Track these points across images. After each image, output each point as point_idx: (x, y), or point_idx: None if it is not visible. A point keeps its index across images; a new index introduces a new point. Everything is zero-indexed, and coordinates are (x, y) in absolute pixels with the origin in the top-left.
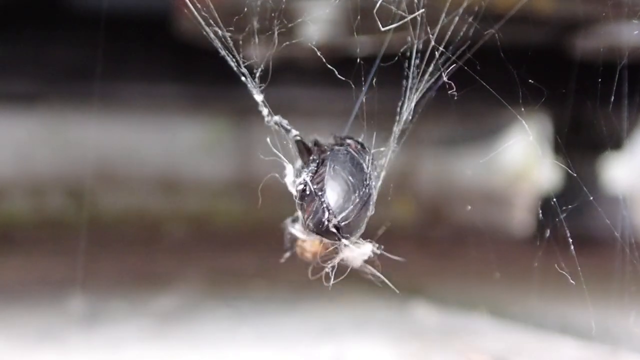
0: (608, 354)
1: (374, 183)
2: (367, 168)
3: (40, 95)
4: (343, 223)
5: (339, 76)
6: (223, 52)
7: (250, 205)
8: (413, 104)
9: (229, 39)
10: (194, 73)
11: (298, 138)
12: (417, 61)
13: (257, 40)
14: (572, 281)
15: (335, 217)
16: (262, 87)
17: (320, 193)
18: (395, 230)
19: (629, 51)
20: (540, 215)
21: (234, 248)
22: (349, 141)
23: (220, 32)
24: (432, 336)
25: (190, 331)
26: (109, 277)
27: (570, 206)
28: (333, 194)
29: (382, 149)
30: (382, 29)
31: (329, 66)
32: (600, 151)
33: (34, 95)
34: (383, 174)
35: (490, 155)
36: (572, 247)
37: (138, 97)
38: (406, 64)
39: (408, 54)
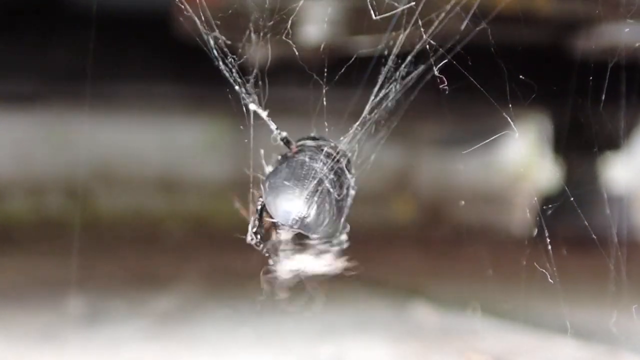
0: (608, 354)
1: (327, 173)
2: (314, 162)
3: (39, 95)
4: (307, 219)
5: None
6: (217, 63)
7: (249, 205)
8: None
9: (226, 50)
10: (194, 73)
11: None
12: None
13: (254, 41)
14: (550, 280)
15: (300, 225)
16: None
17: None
18: (395, 230)
19: (628, 51)
20: (539, 215)
21: (234, 248)
22: (291, 147)
23: (216, 39)
24: (432, 336)
25: (190, 332)
26: (108, 277)
27: (562, 206)
28: (276, 212)
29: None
30: (375, 17)
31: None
32: (599, 151)
33: (34, 95)
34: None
35: (476, 146)
36: (569, 247)
37: (138, 97)
38: (393, 59)
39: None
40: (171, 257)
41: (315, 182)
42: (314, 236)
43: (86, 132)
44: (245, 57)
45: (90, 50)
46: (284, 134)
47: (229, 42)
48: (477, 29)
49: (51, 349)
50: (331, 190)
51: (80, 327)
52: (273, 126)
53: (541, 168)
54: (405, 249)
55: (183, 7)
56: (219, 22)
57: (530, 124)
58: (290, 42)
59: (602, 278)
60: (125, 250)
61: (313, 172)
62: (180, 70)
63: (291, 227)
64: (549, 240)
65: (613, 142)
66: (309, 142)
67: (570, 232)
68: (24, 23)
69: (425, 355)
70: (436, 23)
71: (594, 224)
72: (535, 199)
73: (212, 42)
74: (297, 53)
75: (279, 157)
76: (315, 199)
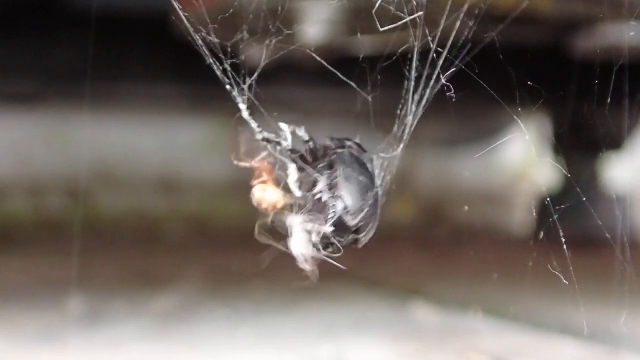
0: (607, 354)
1: (379, 182)
2: (371, 168)
3: (40, 95)
4: (361, 223)
5: (343, 78)
6: (210, 61)
7: (249, 205)
8: (414, 107)
9: (221, 51)
10: (194, 73)
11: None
12: (417, 63)
13: (253, 42)
14: (565, 281)
15: (354, 218)
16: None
17: (339, 196)
18: (395, 231)
19: (629, 51)
20: (540, 215)
21: (233, 248)
22: (348, 143)
23: (209, 39)
24: (432, 336)
25: (190, 331)
26: (108, 277)
27: (567, 206)
28: (349, 197)
29: (382, 154)
30: (382, 29)
31: (330, 68)
32: (600, 151)
33: (34, 96)
34: (384, 174)
35: (485, 151)
36: (569, 247)
37: (138, 97)
38: (405, 66)
39: (409, 55)
40: (171, 257)
41: (379, 186)
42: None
43: (86, 132)
44: (243, 58)
45: (90, 50)
46: (265, 134)
47: (222, 42)
48: (488, 39)
49: (51, 349)
50: (380, 193)
51: (80, 327)
52: (254, 125)
53: (542, 168)
54: (406, 249)
55: (179, 8)
56: (216, 26)
57: (531, 124)
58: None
59: (602, 278)
60: (125, 250)
61: (373, 174)
62: (180, 70)
63: (357, 220)
64: (564, 240)
65: (615, 143)
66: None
67: (570, 233)
68: (24, 23)
69: (425, 355)
70: (454, 33)
71: (596, 225)
72: (547, 200)
73: (200, 41)
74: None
75: (335, 146)
76: (377, 202)
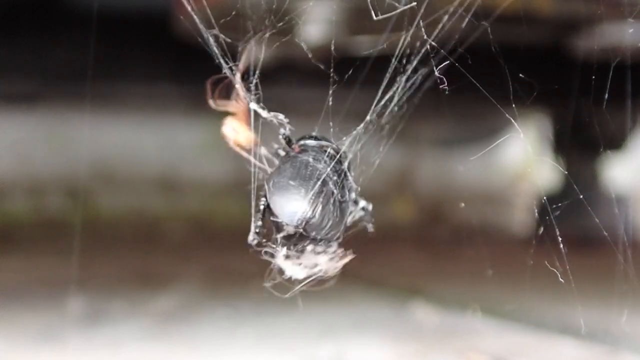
0: (607, 354)
1: (331, 174)
2: (317, 162)
3: (40, 95)
4: (312, 220)
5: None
6: (219, 60)
7: (249, 205)
8: (396, 98)
9: (227, 52)
10: (194, 73)
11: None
12: (412, 58)
13: (254, 42)
14: (561, 279)
15: (297, 225)
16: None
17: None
18: (395, 230)
19: (630, 51)
20: (540, 215)
21: (233, 248)
22: (293, 146)
23: (216, 38)
24: (432, 336)
25: (190, 331)
26: (108, 277)
27: (566, 206)
28: (279, 210)
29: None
30: (375, 18)
31: (327, 66)
32: (600, 151)
33: (34, 96)
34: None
35: (484, 151)
36: (568, 246)
37: (138, 97)
38: (397, 61)
39: (408, 51)
40: (171, 257)
41: (320, 183)
42: (316, 236)
43: (86, 132)
44: (245, 57)
45: (90, 50)
46: (287, 132)
47: (229, 41)
48: (479, 30)
49: (51, 349)
50: (335, 191)
51: (80, 327)
52: (283, 118)
53: (541, 168)
54: (406, 249)
55: (189, 6)
56: (221, 22)
57: (531, 123)
58: (303, 43)
59: (602, 278)
60: (125, 250)
61: (317, 172)
62: (181, 70)
63: (296, 227)
64: (560, 239)
65: (614, 142)
66: (311, 142)
67: (568, 232)
68: (24, 23)
69: (424, 355)
70: (440, 26)
71: (595, 225)
72: (544, 199)
73: (212, 40)
74: (310, 55)
75: (281, 154)
76: (320, 200)
